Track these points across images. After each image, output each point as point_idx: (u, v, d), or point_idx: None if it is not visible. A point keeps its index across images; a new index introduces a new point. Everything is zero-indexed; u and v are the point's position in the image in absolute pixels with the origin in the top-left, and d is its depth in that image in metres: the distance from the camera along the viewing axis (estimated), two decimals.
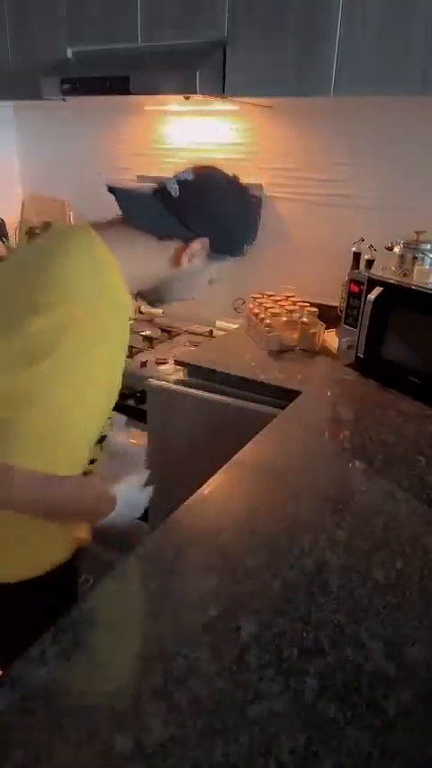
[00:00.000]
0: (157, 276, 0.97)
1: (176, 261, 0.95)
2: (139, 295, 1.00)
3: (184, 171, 0.97)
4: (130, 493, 1.05)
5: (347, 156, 1.93)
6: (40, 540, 1.03)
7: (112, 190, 0.93)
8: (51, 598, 1.02)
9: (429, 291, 1.53)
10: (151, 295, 1.02)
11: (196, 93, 1.61)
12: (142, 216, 0.93)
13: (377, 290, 1.61)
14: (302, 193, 2.06)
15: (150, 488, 1.09)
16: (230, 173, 1.03)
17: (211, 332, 2.28)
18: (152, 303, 1.05)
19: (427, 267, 1.61)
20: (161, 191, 0.94)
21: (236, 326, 2.23)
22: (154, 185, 0.96)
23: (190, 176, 0.95)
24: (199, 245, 0.94)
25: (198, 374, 1.77)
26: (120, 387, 0.96)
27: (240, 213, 0.99)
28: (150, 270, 0.95)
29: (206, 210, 0.94)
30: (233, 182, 1.01)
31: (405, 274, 1.63)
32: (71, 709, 0.67)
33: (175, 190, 0.93)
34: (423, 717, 0.68)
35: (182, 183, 0.94)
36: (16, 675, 0.71)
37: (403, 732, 0.66)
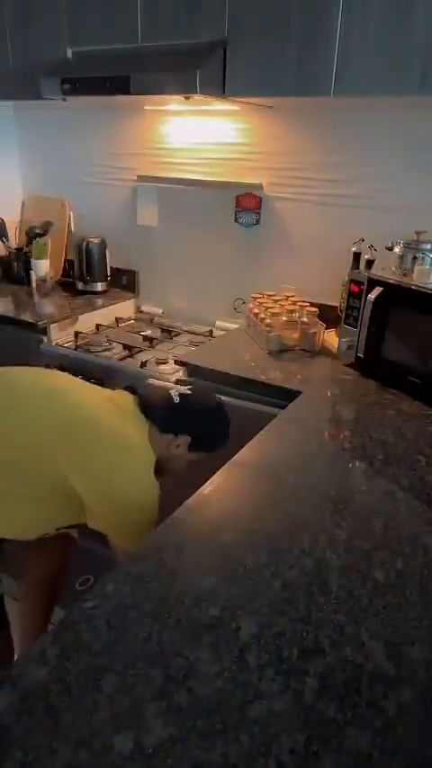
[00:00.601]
0: (160, 451, 1.28)
1: (168, 446, 1.30)
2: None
3: (186, 386, 1.35)
4: None
5: (347, 155, 1.93)
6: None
7: (135, 390, 1.35)
8: None
9: (429, 291, 1.53)
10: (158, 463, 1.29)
11: (196, 93, 1.61)
12: (156, 413, 1.29)
13: (377, 290, 1.61)
14: (302, 193, 2.06)
15: None
16: (216, 397, 1.39)
17: (211, 332, 2.28)
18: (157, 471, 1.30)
19: (427, 267, 1.61)
20: (167, 396, 1.31)
21: (236, 326, 2.23)
22: (167, 389, 1.34)
23: (189, 392, 1.32)
24: (183, 442, 1.31)
25: (198, 374, 1.76)
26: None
27: (216, 429, 1.36)
28: (159, 447, 1.28)
29: (193, 421, 1.31)
30: (219, 404, 1.37)
31: (405, 274, 1.63)
32: (71, 709, 0.67)
33: (176, 398, 1.30)
34: (423, 717, 0.68)
35: (182, 395, 1.31)
36: (16, 675, 0.71)
37: (403, 732, 0.66)
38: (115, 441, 1.20)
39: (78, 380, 1.37)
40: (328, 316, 1.97)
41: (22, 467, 1.16)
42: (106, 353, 2.06)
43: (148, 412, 1.28)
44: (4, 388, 1.25)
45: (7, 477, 1.16)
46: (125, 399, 1.30)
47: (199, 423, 1.32)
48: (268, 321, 1.89)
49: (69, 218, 2.60)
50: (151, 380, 1.81)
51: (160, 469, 1.27)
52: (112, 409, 1.25)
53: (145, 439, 1.25)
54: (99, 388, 1.39)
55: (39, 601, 1.58)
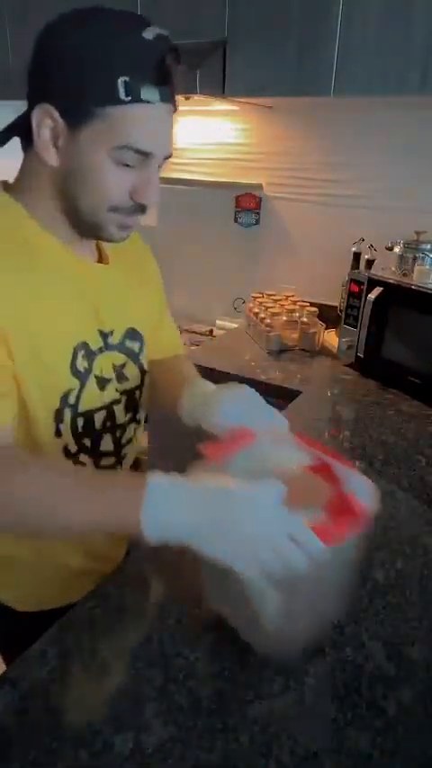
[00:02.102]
0: (53, 196, 0.78)
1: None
2: (84, 234, 0.81)
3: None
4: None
5: (347, 155, 1.93)
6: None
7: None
8: None
9: (429, 291, 1.53)
10: (86, 230, 0.80)
11: (196, 93, 1.61)
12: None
13: (377, 290, 1.61)
14: (302, 193, 2.06)
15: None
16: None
17: (211, 332, 2.28)
18: (98, 238, 0.83)
19: (427, 267, 1.61)
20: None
21: (236, 326, 2.23)
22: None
23: None
24: (43, 117, 0.73)
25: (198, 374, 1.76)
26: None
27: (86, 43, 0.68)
28: (41, 195, 0.79)
29: (37, 65, 0.75)
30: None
31: (405, 274, 1.63)
32: (71, 709, 0.67)
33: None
34: (423, 717, 0.68)
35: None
36: (16, 675, 0.71)
37: (403, 732, 0.66)
38: None
39: None
40: (328, 316, 1.97)
41: None
42: None
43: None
44: None
45: None
46: None
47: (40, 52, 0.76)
48: (268, 321, 1.89)
49: None
50: None
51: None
52: None
53: None
54: None
55: None
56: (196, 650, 0.75)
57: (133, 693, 0.69)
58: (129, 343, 0.92)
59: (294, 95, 1.60)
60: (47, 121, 0.72)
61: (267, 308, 1.95)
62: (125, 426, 0.94)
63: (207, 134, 2.19)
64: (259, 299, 2.04)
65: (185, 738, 0.64)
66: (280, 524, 0.60)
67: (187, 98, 1.75)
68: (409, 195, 1.85)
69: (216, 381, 1.72)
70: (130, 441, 0.97)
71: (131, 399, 0.93)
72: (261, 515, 0.60)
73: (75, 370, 0.80)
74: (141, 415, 0.99)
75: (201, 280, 2.39)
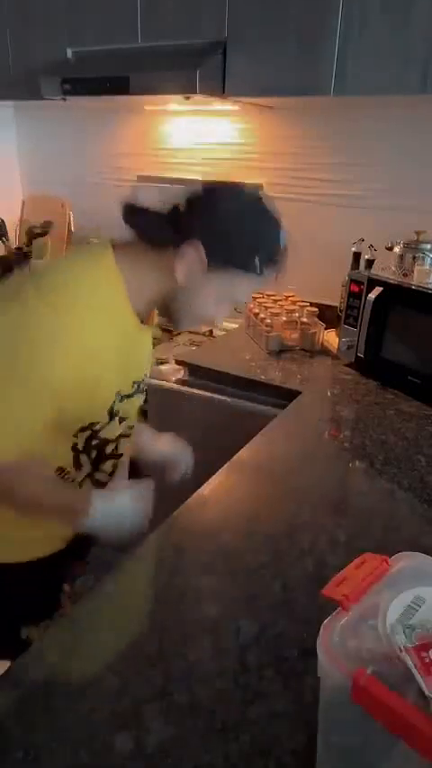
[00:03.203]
0: (161, 290, 0.93)
1: (173, 270, 0.88)
2: (160, 313, 1.01)
3: (197, 187, 0.92)
4: (115, 503, 1.00)
5: (347, 156, 1.93)
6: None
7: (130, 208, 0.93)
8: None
9: (429, 291, 1.53)
10: (165, 312, 0.99)
11: (196, 93, 1.61)
12: (149, 229, 0.92)
13: (377, 290, 1.61)
14: (302, 193, 2.06)
15: (141, 504, 1.02)
16: (255, 192, 0.98)
17: (211, 332, 2.27)
18: (170, 323, 1.05)
19: (427, 267, 1.61)
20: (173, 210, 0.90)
21: (236, 326, 2.23)
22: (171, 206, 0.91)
23: (199, 190, 0.90)
24: (191, 250, 0.86)
25: (198, 374, 1.77)
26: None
27: (242, 221, 0.89)
28: (153, 283, 0.92)
29: (203, 217, 0.87)
30: (242, 192, 0.94)
31: (405, 274, 1.63)
32: (71, 709, 0.67)
33: (182, 205, 0.89)
34: None
35: (189, 199, 0.89)
36: (16, 675, 0.71)
37: None
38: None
39: None
40: (328, 316, 1.97)
41: None
42: None
43: (137, 223, 0.92)
44: None
45: None
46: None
47: (212, 214, 0.87)
48: (268, 321, 1.89)
49: (69, 218, 2.59)
50: (151, 381, 1.81)
51: (173, 320, 0.97)
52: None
53: (106, 277, 0.88)
54: None
55: None
56: (196, 650, 0.75)
57: (133, 693, 0.69)
58: (144, 390, 1.09)
59: (294, 95, 1.60)
60: (195, 255, 0.88)
61: (267, 308, 1.94)
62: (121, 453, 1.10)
63: (207, 134, 2.18)
64: (259, 300, 2.04)
65: (185, 738, 0.64)
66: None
67: (187, 98, 1.75)
68: (409, 195, 1.85)
69: (216, 381, 1.73)
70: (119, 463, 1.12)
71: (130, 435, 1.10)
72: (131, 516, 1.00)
73: (110, 411, 0.97)
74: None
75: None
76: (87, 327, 0.84)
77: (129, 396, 1.00)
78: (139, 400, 1.07)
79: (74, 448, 0.98)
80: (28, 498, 0.93)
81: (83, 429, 0.96)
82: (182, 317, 0.99)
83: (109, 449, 1.05)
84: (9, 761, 0.61)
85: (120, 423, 1.01)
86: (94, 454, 1.02)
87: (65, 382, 0.83)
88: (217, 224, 0.87)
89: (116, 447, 1.06)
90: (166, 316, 1.00)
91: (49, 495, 0.97)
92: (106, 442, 1.02)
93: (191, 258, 0.87)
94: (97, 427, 0.97)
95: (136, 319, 0.93)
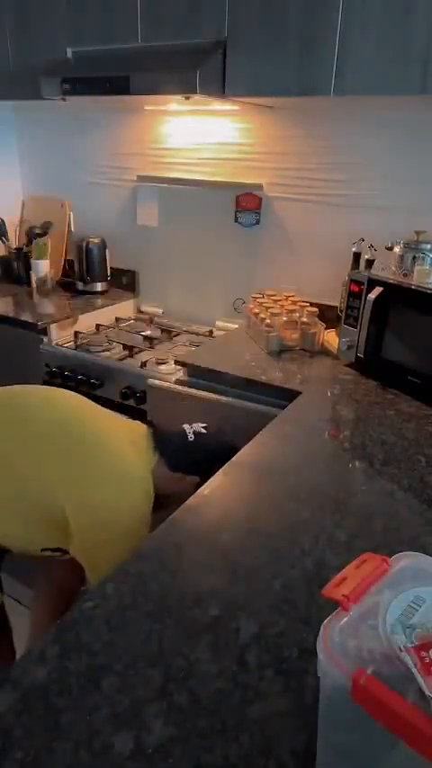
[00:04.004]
0: (167, 488, 1.26)
1: (175, 484, 1.27)
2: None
3: (202, 424, 1.34)
4: None
5: (347, 155, 1.93)
6: None
7: (152, 423, 1.35)
8: None
9: (429, 291, 1.53)
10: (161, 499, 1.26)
11: (196, 93, 1.61)
12: (168, 447, 1.29)
13: (377, 290, 1.61)
14: (302, 193, 2.06)
15: None
16: (228, 438, 1.34)
17: (211, 332, 2.28)
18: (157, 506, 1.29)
19: (427, 267, 1.61)
20: (182, 432, 1.32)
21: (236, 326, 2.23)
22: (185, 430, 1.33)
23: (204, 431, 1.32)
24: (192, 481, 1.26)
25: (198, 374, 1.77)
26: None
27: (221, 460, 1.25)
28: (166, 484, 1.26)
29: (205, 461, 1.27)
30: (233, 447, 1.29)
31: (405, 274, 1.63)
32: (71, 709, 0.67)
33: (191, 436, 1.31)
34: None
35: (197, 433, 1.31)
36: (16, 675, 0.71)
37: None
38: (118, 473, 1.18)
39: (92, 405, 1.32)
40: (328, 316, 1.97)
41: (22, 486, 1.15)
42: (106, 354, 2.06)
43: (161, 446, 1.28)
44: (17, 405, 1.23)
45: (7, 492, 1.15)
46: (139, 431, 1.30)
47: (210, 463, 1.25)
48: (268, 321, 1.89)
49: (69, 218, 2.60)
50: (151, 381, 1.81)
51: (160, 504, 1.24)
52: (123, 439, 1.24)
53: (148, 473, 1.23)
54: (114, 415, 1.35)
55: (50, 611, 1.54)
56: (196, 650, 0.75)
57: (133, 693, 0.69)
58: None
59: (294, 95, 1.60)
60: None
61: (267, 308, 1.94)
62: None
63: (207, 134, 2.19)
64: (259, 300, 2.04)
65: (185, 738, 0.64)
66: None
67: (187, 98, 1.75)
68: (409, 195, 1.85)
69: (216, 381, 1.73)
70: None
71: None
72: None
73: None
74: None
75: (201, 280, 2.39)
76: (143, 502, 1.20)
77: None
78: None
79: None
80: None
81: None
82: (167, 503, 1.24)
83: None
84: (9, 761, 0.61)
85: None
86: None
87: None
88: (209, 466, 1.22)
89: None
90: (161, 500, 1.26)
91: None
92: None
93: (189, 481, 1.27)
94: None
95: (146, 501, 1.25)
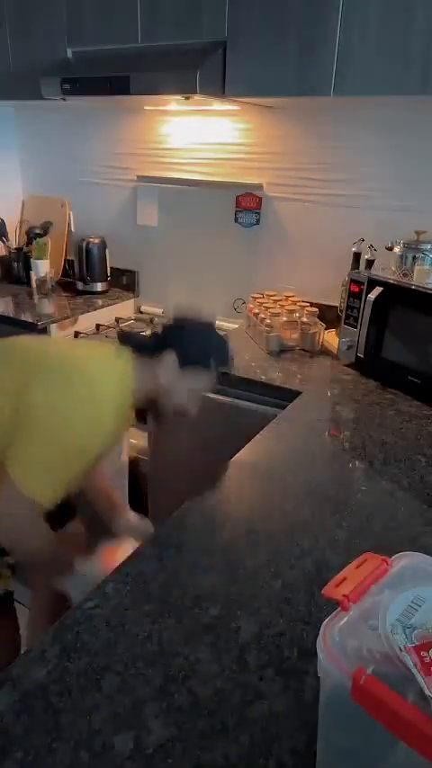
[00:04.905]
0: (150, 388, 1.19)
1: (154, 375, 1.19)
2: (149, 411, 1.27)
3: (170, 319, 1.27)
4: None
5: (347, 156, 1.93)
6: None
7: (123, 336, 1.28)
8: None
9: (429, 291, 1.53)
10: (154, 408, 1.25)
11: (196, 93, 1.61)
12: (141, 348, 1.22)
13: (377, 290, 1.61)
14: (302, 193, 2.06)
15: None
16: (211, 322, 1.29)
17: None
18: (159, 416, 1.28)
19: (427, 267, 1.61)
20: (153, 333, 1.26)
21: (236, 326, 2.23)
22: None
23: (172, 321, 1.25)
24: (168, 360, 1.17)
25: None
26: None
27: (209, 341, 1.24)
28: (146, 383, 1.19)
29: (178, 336, 1.21)
30: (209, 322, 1.27)
31: (405, 274, 1.63)
32: (71, 709, 0.67)
33: (160, 328, 1.25)
34: None
35: (165, 326, 1.24)
36: (16, 675, 0.71)
37: None
38: (75, 382, 1.11)
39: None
40: (328, 316, 1.97)
41: None
42: None
43: (133, 346, 1.21)
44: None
45: None
46: (110, 347, 1.25)
47: (185, 337, 1.21)
48: (268, 321, 1.89)
49: (69, 218, 2.59)
50: None
51: (160, 411, 1.22)
52: (85, 353, 1.22)
53: (121, 386, 1.16)
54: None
55: (49, 614, 1.54)
56: (196, 650, 0.75)
57: (133, 693, 0.69)
58: None
59: (294, 95, 1.60)
60: (170, 361, 1.17)
61: (267, 308, 1.94)
62: None
63: (207, 134, 2.19)
64: (259, 300, 2.04)
65: (185, 738, 0.64)
66: None
67: (187, 98, 1.75)
68: (409, 195, 1.85)
69: (216, 381, 1.72)
70: None
71: None
72: None
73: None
74: None
75: (201, 280, 2.39)
76: (107, 416, 1.11)
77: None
78: None
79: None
80: (28, 550, 1.16)
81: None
82: (164, 410, 1.24)
83: None
84: (9, 761, 0.61)
85: None
86: None
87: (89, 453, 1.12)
88: (186, 342, 1.20)
89: None
90: (152, 410, 1.26)
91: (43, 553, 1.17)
92: None
93: (167, 363, 1.17)
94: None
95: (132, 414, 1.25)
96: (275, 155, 2.07)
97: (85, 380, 1.12)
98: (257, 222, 2.17)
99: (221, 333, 1.28)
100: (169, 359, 1.17)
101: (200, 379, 1.22)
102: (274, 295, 2.07)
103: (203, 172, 2.23)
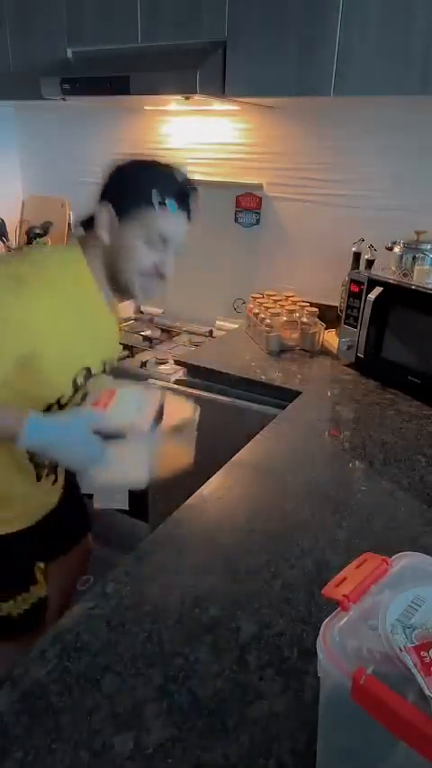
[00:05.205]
0: (103, 261, 1.10)
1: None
2: (116, 292, 1.15)
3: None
4: (56, 422, 0.99)
5: (347, 155, 1.93)
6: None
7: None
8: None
9: (429, 291, 1.53)
10: (120, 289, 1.14)
11: (196, 93, 1.61)
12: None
13: (377, 290, 1.61)
14: (302, 193, 2.06)
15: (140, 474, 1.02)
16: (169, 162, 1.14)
17: (211, 332, 2.28)
18: (127, 296, 1.17)
19: (427, 267, 1.61)
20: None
21: (236, 326, 2.23)
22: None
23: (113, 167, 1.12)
24: (105, 212, 1.08)
25: (198, 374, 1.76)
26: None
27: (139, 175, 1.08)
28: (97, 257, 1.10)
29: (110, 182, 1.11)
30: (143, 161, 1.11)
31: (405, 274, 1.63)
32: (71, 709, 0.67)
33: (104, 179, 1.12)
34: None
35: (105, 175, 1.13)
36: (16, 675, 0.71)
37: None
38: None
39: None
40: (328, 316, 1.97)
41: None
42: None
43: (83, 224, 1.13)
44: None
45: None
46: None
47: (120, 181, 1.10)
48: (268, 321, 1.89)
49: (69, 218, 2.59)
50: (150, 381, 1.81)
51: (124, 286, 1.11)
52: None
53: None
54: None
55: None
56: (196, 650, 0.75)
57: (133, 693, 0.69)
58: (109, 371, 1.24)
59: (294, 95, 1.60)
60: (106, 214, 1.08)
61: (267, 308, 1.94)
62: None
63: (207, 134, 2.19)
64: (259, 300, 2.04)
65: (185, 738, 0.64)
66: (85, 435, 0.98)
67: (187, 98, 1.75)
68: (409, 195, 1.85)
69: (216, 381, 1.73)
70: None
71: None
72: (76, 434, 0.99)
73: (74, 383, 1.11)
74: None
75: (201, 280, 2.38)
76: (44, 303, 0.99)
77: (95, 374, 1.15)
78: (104, 379, 1.21)
79: None
80: None
81: (50, 406, 1.10)
82: (130, 285, 1.12)
83: None
84: (9, 761, 0.61)
85: (82, 399, 1.13)
86: None
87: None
88: (121, 185, 1.08)
89: None
90: (118, 291, 1.14)
91: None
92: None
93: (104, 216, 1.08)
94: (63, 400, 1.11)
95: (104, 304, 1.14)
96: (275, 155, 2.07)
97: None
98: (257, 222, 2.17)
99: (171, 165, 1.12)
100: (105, 211, 1.07)
101: (156, 223, 1.08)
102: (274, 295, 2.07)
103: (203, 172, 2.23)
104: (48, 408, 1.10)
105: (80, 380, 1.11)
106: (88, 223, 1.14)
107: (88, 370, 1.13)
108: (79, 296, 1.07)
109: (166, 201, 1.07)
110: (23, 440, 0.94)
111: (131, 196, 1.06)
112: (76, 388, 1.11)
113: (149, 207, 1.06)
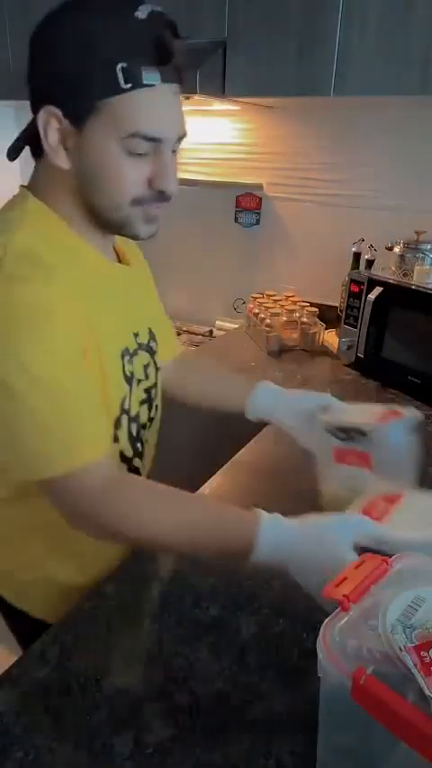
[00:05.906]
0: (72, 199, 0.76)
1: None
2: (106, 233, 0.82)
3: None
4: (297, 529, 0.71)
5: (347, 155, 1.93)
6: None
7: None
8: None
9: (429, 291, 1.53)
10: (110, 228, 0.80)
11: (196, 93, 1.61)
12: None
13: (377, 290, 1.61)
14: (302, 193, 2.06)
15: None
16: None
17: (211, 332, 2.28)
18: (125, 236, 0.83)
19: (427, 267, 1.61)
20: None
21: (236, 326, 2.23)
22: None
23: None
24: (48, 121, 0.73)
25: None
26: None
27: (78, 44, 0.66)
28: (61, 195, 0.77)
29: (32, 68, 0.76)
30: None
31: (405, 274, 1.63)
32: (71, 709, 0.67)
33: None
34: None
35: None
36: (16, 675, 0.71)
37: None
38: None
39: None
40: (328, 316, 1.97)
41: None
42: None
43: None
44: None
45: None
46: None
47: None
48: (268, 321, 1.89)
49: None
50: None
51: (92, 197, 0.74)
52: None
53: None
54: None
55: None
56: (196, 650, 0.75)
57: (133, 693, 0.69)
58: (151, 343, 0.93)
59: (294, 95, 1.60)
60: (53, 124, 0.71)
61: (267, 308, 1.94)
62: (146, 425, 0.95)
63: (207, 134, 2.18)
64: (259, 300, 2.04)
65: (185, 738, 0.64)
66: (345, 550, 0.67)
67: (187, 98, 1.75)
68: (409, 195, 1.85)
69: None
70: (147, 441, 0.98)
71: (149, 398, 0.94)
72: (330, 550, 0.67)
73: (125, 376, 0.83)
74: (157, 415, 1.01)
75: (201, 280, 2.38)
76: (65, 287, 0.71)
77: (134, 352, 0.86)
78: (145, 357, 0.89)
79: (115, 439, 0.83)
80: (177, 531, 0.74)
81: (118, 419, 0.83)
82: (122, 221, 0.78)
83: (143, 418, 0.90)
84: (9, 761, 0.61)
85: (138, 384, 0.87)
86: (139, 445, 0.90)
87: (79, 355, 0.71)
88: (60, 65, 0.70)
89: (147, 416, 0.92)
90: (109, 231, 0.82)
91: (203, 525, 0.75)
92: (137, 416, 0.88)
93: (50, 129, 0.74)
94: (126, 405, 0.83)
95: (98, 255, 0.80)
96: (275, 155, 2.07)
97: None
98: (257, 222, 2.17)
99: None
100: (48, 120, 0.75)
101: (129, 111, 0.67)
102: (274, 295, 2.07)
103: (203, 172, 2.23)
104: (116, 424, 0.83)
105: (129, 369, 0.83)
106: (35, 150, 0.82)
107: (127, 351, 0.84)
108: (63, 259, 0.73)
109: (142, 74, 0.65)
110: (257, 552, 0.68)
111: (83, 79, 0.66)
112: (129, 382, 0.84)
113: (116, 91, 0.65)
